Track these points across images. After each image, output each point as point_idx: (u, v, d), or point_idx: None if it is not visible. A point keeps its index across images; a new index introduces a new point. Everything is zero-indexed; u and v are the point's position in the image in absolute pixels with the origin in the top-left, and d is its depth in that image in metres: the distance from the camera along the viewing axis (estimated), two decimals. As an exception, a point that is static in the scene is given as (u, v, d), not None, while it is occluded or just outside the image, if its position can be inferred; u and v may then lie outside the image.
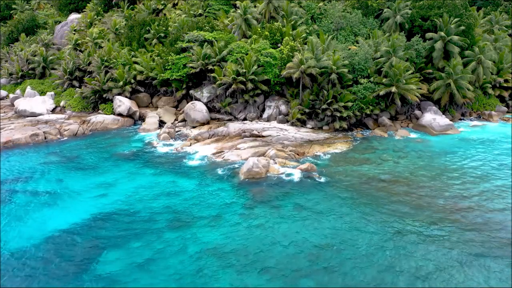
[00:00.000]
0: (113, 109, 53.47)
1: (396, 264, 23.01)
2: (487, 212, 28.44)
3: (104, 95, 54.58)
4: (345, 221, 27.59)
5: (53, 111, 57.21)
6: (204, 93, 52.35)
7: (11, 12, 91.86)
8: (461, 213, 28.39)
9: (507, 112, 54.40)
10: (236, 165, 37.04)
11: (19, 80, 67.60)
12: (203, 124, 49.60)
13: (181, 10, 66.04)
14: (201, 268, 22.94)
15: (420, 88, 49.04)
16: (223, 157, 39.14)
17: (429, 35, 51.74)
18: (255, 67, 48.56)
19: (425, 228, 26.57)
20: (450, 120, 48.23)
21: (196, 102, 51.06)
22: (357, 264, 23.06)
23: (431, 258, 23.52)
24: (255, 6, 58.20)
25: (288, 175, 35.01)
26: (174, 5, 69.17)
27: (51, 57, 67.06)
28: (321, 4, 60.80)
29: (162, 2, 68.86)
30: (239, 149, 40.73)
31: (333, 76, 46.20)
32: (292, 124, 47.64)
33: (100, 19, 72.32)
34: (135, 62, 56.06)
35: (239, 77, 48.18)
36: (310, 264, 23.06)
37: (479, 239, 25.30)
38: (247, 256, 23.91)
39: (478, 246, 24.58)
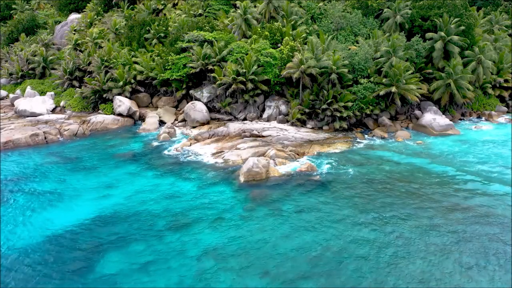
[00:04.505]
0: (113, 109, 53.46)
1: (398, 267, 23.01)
2: (487, 211, 28.50)
3: (104, 95, 54.56)
4: (346, 222, 27.59)
5: (53, 111, 57.19)
6: (204, 93, 52.35)
7: (11, 12, 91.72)
8: (462, 213, 28.43)
9: (507, 112, 54.42)
10: (236, 165, 37.04)
11: (19, 80, 67.57)
12: (203, 124, 49.60)
13: (181, 10, 65.98)
14: (202, 270, 22.96)
15: (420, 88, 49.01)
16: (223, 157, 39.15)
17: (429, 35, 51.68)
18: (255, 67, 48.53)
19: (426, 229, 26.58)
20: (450, 120, 48.20)
21: (196, 102, 51.06)
22: (359, 265, 23.07)
23: (433, 262, 23.52)
24: (255, 6, 58.13)
25: (288, 175, 35.00)
26: (174, 5, 69.09)
27: (51, 57, 67.04)
28: (321, 4, 60.72)
29: (162, 2, 68.79)
30: (239, 149, 40.73)
31: (333, 76, 46.19)
32: (292, 124, 47.63)
33: (100, 19, 72.24)
34: (135, 62, 56.04)
35: (239, 77, 48.16)
36: (311, 267, 23.07)
37: (477, 240, 25.35)
38: (248, 258, 23.92)
39: (477, 247, 24.65)
